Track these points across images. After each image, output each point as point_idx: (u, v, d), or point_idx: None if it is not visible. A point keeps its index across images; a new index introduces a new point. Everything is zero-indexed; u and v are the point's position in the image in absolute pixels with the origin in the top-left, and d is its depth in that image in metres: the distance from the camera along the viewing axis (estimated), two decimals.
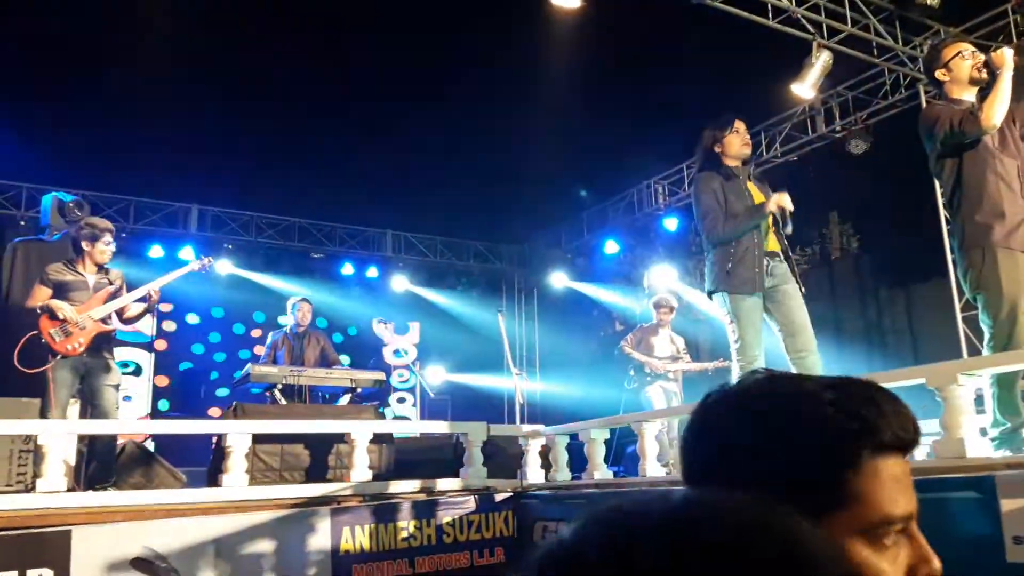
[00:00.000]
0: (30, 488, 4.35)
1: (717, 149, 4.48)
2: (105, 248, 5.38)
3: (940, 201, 8.19)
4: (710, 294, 4.48)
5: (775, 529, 0.51)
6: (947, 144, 3.74)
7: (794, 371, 4.28)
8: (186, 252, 10.64)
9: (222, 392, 10.91)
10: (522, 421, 7.87)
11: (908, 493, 0.78)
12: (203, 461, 5.92)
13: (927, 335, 8.74)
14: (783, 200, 4.29)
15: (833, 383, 0.79)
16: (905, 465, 0.79)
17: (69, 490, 4.68)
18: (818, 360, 4.31)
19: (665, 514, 0.51)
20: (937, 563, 0.78)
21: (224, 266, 11.28)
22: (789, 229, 4.40)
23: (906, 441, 0.79)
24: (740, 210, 4.32)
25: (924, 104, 8.43)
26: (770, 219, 4.43)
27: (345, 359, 8.66)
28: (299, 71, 9.79)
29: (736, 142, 4.44)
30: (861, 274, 9.73)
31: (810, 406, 0.76)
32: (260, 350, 9.86)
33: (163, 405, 11.19)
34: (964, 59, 3.82)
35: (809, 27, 7.84)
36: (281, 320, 8.71)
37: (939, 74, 3.90)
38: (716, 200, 4.35)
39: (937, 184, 8.13)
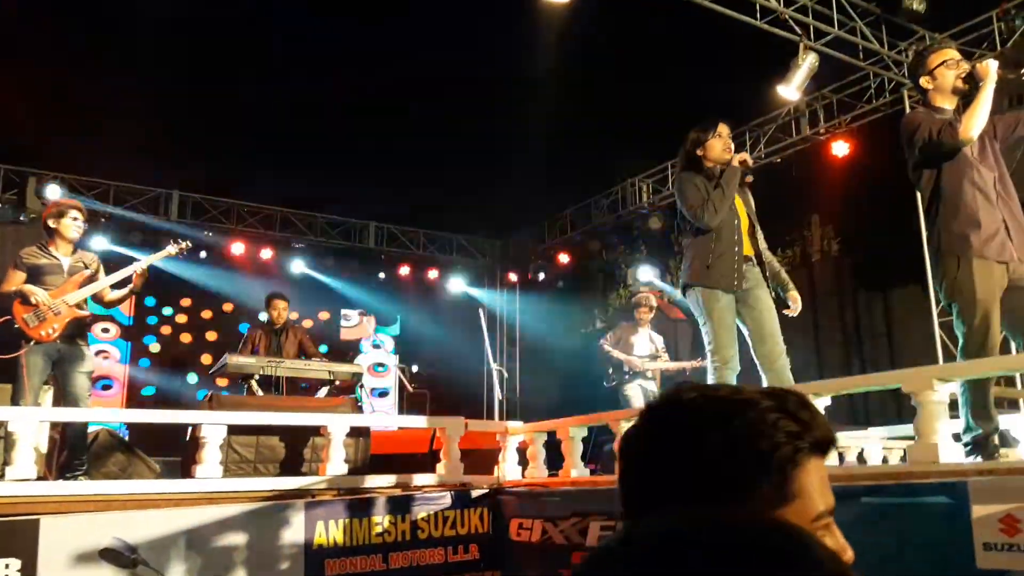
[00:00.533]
0: (2, 475, 4.29)
1: (699, 152, 4.49)
2: (71, 223, 5.25)
3: (920, 207, 8.26)
4: (685, 288, 4.50)
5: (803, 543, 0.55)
6: (925, 153, 3.77)
7: (764, 376, 4.31)
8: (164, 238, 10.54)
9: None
10: (502, 417, 7.88)
11: (830, 490, 0.88)
12: (180, 450, 5.85)
13: (904, 340, 8.81)
14: (745, 155, 4.45)
15: (765, 392, 0.87)
16: (825, 465, 0.89)
17: (40, 478, 4.61)
18: (786, 364, 4.34)
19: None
20: (851, 553, 0.87)
21: (203, 253, 11.21)
22: (750, 178, 4.54)
23: (829, 442, 0.88)
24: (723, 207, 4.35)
25: (908, 109, 8.49)
26: (746, 226, 4.46)
27: (323, 348, 8.59)
28: (285, 59, 9.73)
29: (718, 146, 4.44)
30: (841, 277, 9.79)
31: (756, 413, 0.84)
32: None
33: (148, 391, 11.12)
34: (949, 68, 3.84)
35: (796, 28, 7.86)
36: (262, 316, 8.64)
37: (923, 81, 3.92)
38: (700, 191, 4.37)
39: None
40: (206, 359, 11.06)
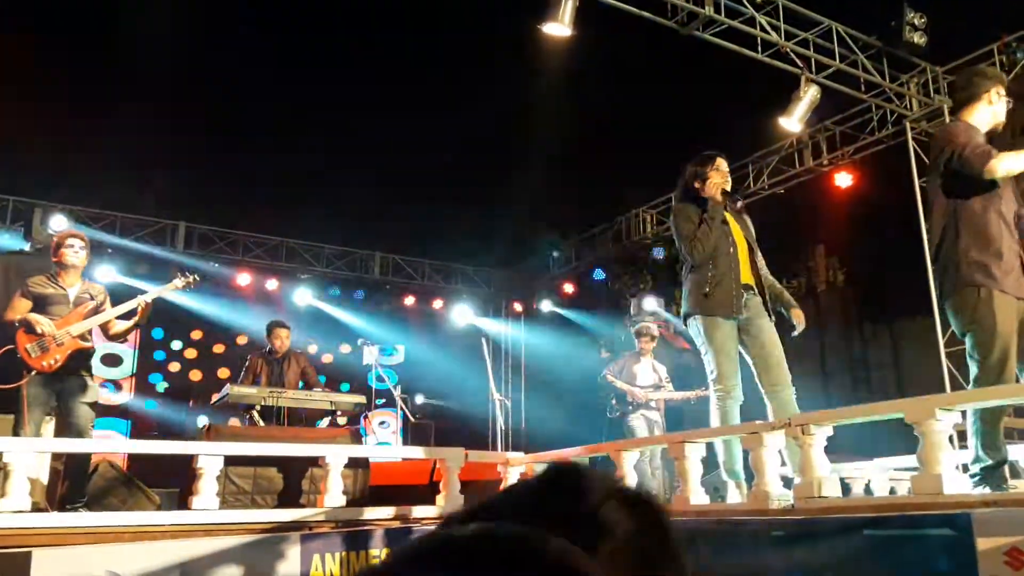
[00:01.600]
0: None
1: (697, 185, 4.50)
2: (69, 251, 5.25)
3: (924, 237, 8.23)
4: (686, 318, 4.48)
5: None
6: (951, 165, 3.65)
7: (769, 405, 4.27)
8: (171, 270, 10.58)
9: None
10: (505, 447, 7.82)
11: None
12: (182, 481, 5.80)
13: (911, 370, 8.74)
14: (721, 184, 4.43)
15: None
16: None
17: (39, 510, 4.57)
18: (792, 393, 4.30)
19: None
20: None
21: (210, 284, 11.25)
22: (740, 204, 4.60)
23: None
24: (716, 238, 4.35)
25: (910, 141, 8.50)
26: (745, 252, 4.45)
27: (322, 378, 8.56)
28: (292, 92, 9.84)
29: (717, 179, 4.45)
30: (846, 307, 9.75)
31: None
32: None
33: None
34: (993, 103, 3.80)
35: (798, 61, 7.91)
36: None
37: (963, 97, 3.86)
38: (694, 224, 4.38)
39: (923, 215, 8.19)
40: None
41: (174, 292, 6.15)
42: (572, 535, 0.57)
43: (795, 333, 4.55)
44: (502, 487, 0.75)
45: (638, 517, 0.62)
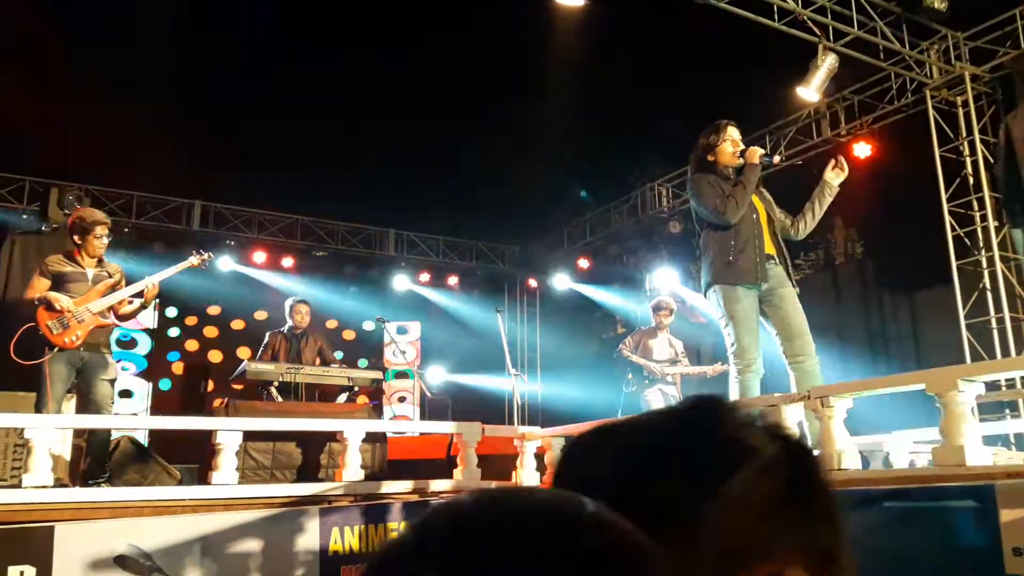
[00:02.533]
0: (21, 483, 4.31)
1: (710, 158, 4.44)
2: (97, 242, 5.31)
3: (945, 207, 8.12)
4: (707, 288, 4.42)
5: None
6: None
7: (792, 376, 4.24)
8: (186, 248, 10.63)
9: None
10: (521, 422, 7.83)
11: None
12: (202, 457, 5.85)
13: (930, 342, 8.65)
14: (757, 149, 4.43)
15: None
16: None
17: (61, 485, 4.63)
18: (816, 364, 4.26)
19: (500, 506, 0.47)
20: None
21: (225, 263, 11.30)
22: (778, 159, 4.48)
23: None
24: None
25: (931, 109, 8.35)
26: (765, 222, 4.40)
27: (339, 354, 8.59)
28: (306, 72, 9.79)
29: (728, 150, 4.39)
30: (865, 280, 9.64)
31: None
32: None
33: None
34: None
35: (815, 29, 7.77)
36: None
37: None
38: (716, 188, 4.32)
39: (942, 186, 8.07)
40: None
41: (189, 270, 6.18)
42: (708, 462, 0.55)
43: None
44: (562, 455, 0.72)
45: (789, 455, 0.61)
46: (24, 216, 9.79)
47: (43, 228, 7.98)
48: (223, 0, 8.67)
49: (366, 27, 9.42)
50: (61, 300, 5.07)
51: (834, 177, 4.57)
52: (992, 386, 5.75)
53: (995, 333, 7.75)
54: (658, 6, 7.95)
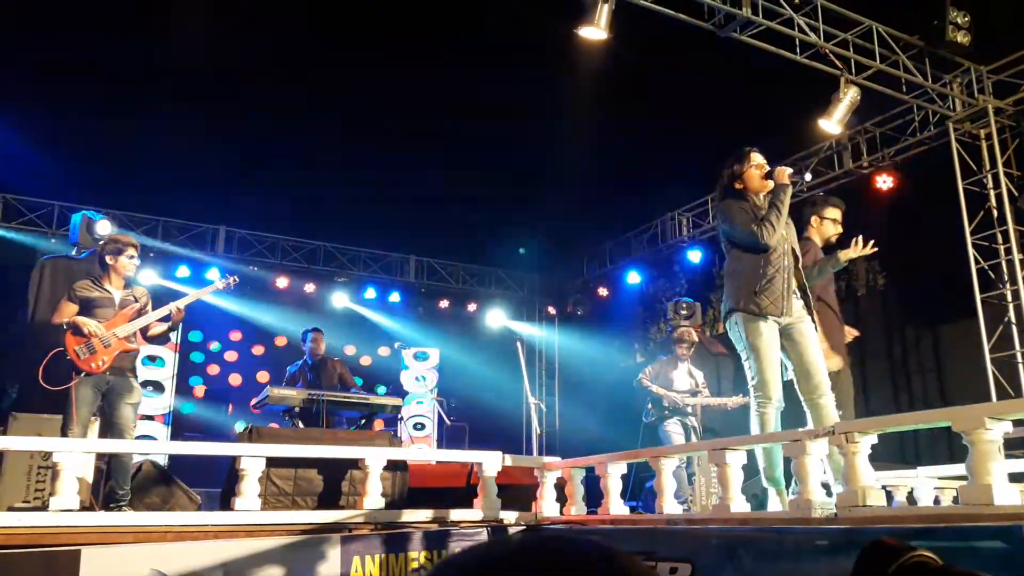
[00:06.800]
0: (47, 505, 4.36)
1: (739, 186, 4.40)
2: (128, 262, 5.39)
3: (968, 240, 8.07)
4: (728, 314, 4.32)
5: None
6: None
7: (809, 413, 4.19)
8: (212, 273, 10.76)
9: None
10: (540, 451, 7.80)
11: None
12: (222, 482, 5.89)
13: (954, 376, 8.55)
14: (786, 168, 4.40)
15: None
16: None
17: (85, 508, 4.67)
18: (832, 400, 4.21)
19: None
20: None
21: (250, 287, 11.43)
22: (808, 177, 4.49)
23: None
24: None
25: (953, 142, 8.34)
26: (791, 255, 4.37)
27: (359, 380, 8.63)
28: (326, 98, 9.94)
29: (755, 176, 4.37)
30: (887, 312, 9.57)
31: None
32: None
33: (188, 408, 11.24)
34: None
35: (837, 63, 7.80)
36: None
37: None
38: (749, 213, 4.28)
39: (966, 219, 8.03)
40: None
41: (214, 294, 6.25)
42: None
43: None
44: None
45: None
46: (53, 240, 9.96)
47: (72, 253, 8.11)
48: (247, 22, 8.80)
49: (384, 50, 9.57)
50: (89, 324, 5.14)
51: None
52: (1019, 422, 5.67)
53: (1021, 368, 7.67)
54: (681, 37, 8.02)
